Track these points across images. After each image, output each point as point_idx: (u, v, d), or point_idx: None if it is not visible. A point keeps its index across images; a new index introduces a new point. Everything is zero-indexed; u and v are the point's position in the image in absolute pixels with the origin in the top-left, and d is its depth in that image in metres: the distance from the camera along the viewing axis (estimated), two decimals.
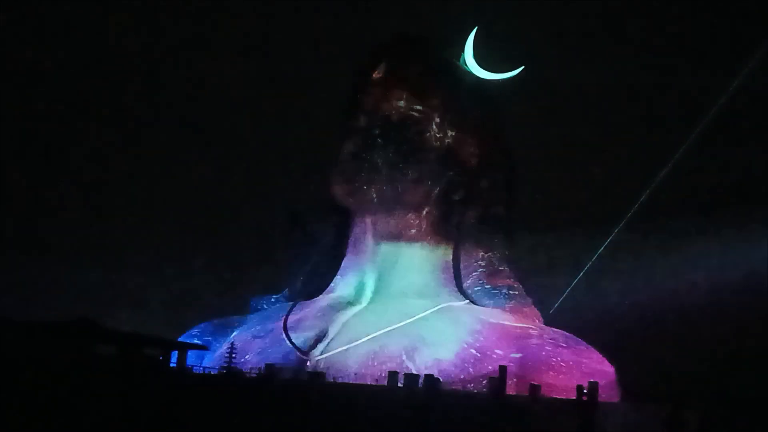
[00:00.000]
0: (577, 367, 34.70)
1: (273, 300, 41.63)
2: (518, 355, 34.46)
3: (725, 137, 45.18)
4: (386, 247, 39.60)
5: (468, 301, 38.54)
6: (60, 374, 28.00)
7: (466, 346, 35.54)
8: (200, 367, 38.17)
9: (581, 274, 41.41)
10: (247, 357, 37.81)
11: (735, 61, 44.16)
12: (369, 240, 39.98)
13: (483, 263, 39.27)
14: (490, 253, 39.50)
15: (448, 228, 39.37)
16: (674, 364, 40.21)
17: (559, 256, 44.47)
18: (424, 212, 39.64)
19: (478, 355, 35.09)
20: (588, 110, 47.03)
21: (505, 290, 38.60)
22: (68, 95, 52.06)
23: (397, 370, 34.44)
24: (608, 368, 35.88)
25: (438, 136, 39.39)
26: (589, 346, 36.05)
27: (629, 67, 47.71)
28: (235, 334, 39.71)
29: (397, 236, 39.55)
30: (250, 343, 38.33)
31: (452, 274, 39.22)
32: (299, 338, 37.74)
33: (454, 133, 39.55)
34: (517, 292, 38.76)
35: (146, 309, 47.41)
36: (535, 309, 38.84)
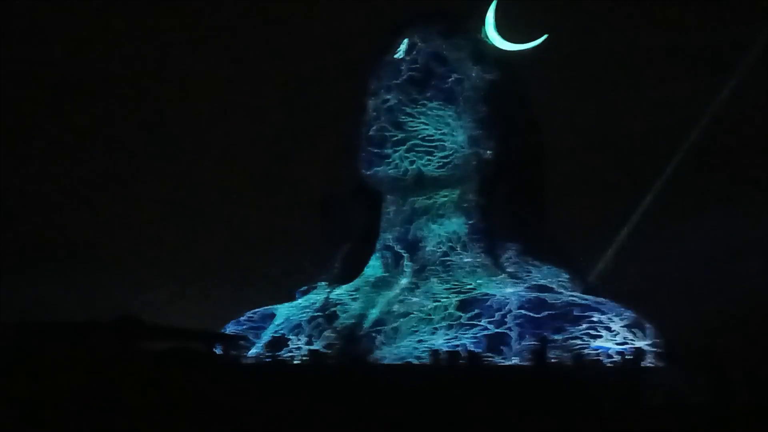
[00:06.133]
0: (628, 339, 34.82)
1: (316, 288, 41.99)
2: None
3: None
4: (419, 227, 39.80)
5: (505, 275, 38.69)
6: (106, 374, 28.49)
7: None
8: (246, 357, 38.71)
9: (618, 241, 41.32)
10: (291, 344, 38.33)
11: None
12: (402, 219, 40.20)
13: (518, 238, 39.44)
14: (525, 228, 39.62)
15: (482, 203, 39.50)
16: (719, 324, 39.88)
17: (593, 223, 44.38)
18: (456, 189, 39.78)
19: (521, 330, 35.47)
20: (617, 75, 46.69)
21: (541, 267, 38.71)
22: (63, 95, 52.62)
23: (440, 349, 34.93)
24: (651, 332, 35.88)
25: (466, 113, 39.40)
26: (631, 311, 36.05)
27: (660, 32, 47.23)
28: (277, 322, 40.22)
29: (430, 216, 39.76)
30: (292, 330, 38.79)
31: (487, 249, 39.41)
32: (340, 322, 38.21)
33: (483, 110, 39.54)
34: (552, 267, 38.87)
35: (186, 302, 48.09)
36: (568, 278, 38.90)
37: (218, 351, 36.37)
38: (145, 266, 50.18)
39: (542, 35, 39.81)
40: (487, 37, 40.21)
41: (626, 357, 33.27)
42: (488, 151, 39.27)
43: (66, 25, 52.92)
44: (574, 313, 35.19)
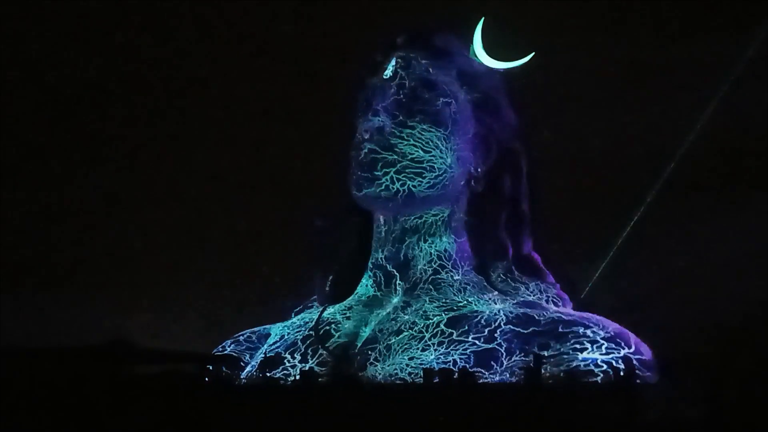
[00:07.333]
0: (612, 348, 34.99)
1: (312, 307, 42.19)
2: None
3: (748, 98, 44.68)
4: (410, 246, 40.02)
5: (494, 292, 39.00)
6: (97, 399, 28.61)
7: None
8: (240, 379, 38.78)
9: (610, 255, 41.50)
10: (284, 364, 38.44)
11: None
12: (392, 239, 40.37)
13: (510, 255, 39.75)
14: (516, 245, 39.88)
15: (471, 221, 39.75)
16: (712, 338, 40.05)
17: (585, 239, 44.54)
18: (446, 209, 39.92)
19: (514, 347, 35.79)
20: (603, 89, 46.86)
21: (532, 284, 39.11)
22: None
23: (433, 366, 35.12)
24: (644, 349, 36.01)
25: (455, 134, 39.51)
26: (623, 327, 36.21)
27: (645, 46, 47.42)
28: (271, 341, 40.30)
29: (421, 235, 40.01)
30: (288, 349, 38.90)
31: (477, 267, 39.69)
32: (332, 342, 38.31)
33: (472, 129, 39.71)
34: (544, 283, 39.20)
35: (178, 324, 48.16)
36: (565, 295, 39.19)
37: (211, 372, 36.55)
38: (136, 287, 50.18)
39: (530, 53, 40.01)
40: (475, 56, 40.37)
41: (614, 366, 33.66)
42: (478, 170, 39.47)
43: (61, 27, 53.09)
44: (560, 329, 35.38)
